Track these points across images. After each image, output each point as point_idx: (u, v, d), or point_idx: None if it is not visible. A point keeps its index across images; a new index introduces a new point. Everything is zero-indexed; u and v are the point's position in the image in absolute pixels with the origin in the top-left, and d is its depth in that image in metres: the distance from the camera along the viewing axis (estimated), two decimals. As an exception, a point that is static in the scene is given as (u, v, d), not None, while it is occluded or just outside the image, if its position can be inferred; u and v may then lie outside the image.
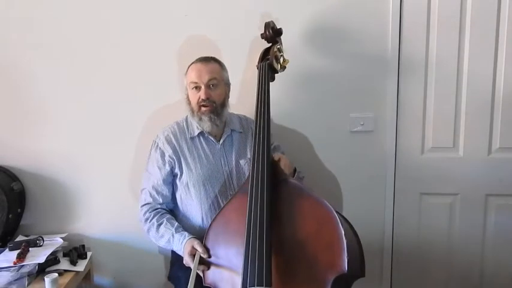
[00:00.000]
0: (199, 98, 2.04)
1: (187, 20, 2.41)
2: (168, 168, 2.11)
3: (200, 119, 2.06)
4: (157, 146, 2.14)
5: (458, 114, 2.45)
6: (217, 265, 1.85)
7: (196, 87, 2.05)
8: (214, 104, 2.05)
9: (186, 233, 2.00)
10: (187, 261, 1.92)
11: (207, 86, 2.03)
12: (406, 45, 2.40)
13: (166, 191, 2.13)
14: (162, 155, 2.12)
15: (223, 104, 2.10)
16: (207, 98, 2.03)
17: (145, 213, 2.12)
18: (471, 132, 2.44)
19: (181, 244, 1.96)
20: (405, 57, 2.41)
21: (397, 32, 2.38)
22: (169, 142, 2.12)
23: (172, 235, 2.01)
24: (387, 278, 2.60)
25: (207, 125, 2.07)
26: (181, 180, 2.12)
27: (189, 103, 2.10)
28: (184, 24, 2.42)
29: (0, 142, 2.54)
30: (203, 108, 2.04)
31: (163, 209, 2.13)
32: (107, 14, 2.43)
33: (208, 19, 2.41)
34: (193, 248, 1.90)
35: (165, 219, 2.07)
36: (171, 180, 2.15)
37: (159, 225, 2.06)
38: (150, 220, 2.09)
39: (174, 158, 2.10)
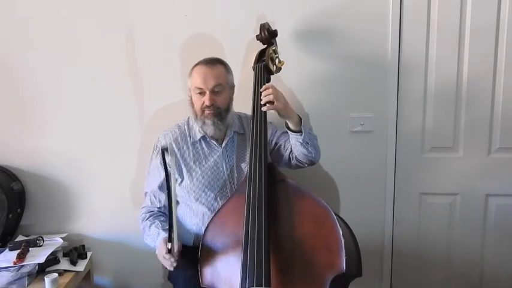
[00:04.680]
0: (204, 103, 2.00)
1: (184, 20, 2.42)
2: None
3: (203, 122, 2.04)
4: (159, 151, 2.12)
5: (458, 114, 2.44)
6: (214, 266, 1.85)
7: (200, 93, 2.01)
8: (218, 109, 2.02)
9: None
10: (159, 256, 1.91)
11: (212, 92, 2.00)
12: (406, 46, 2.40)
13: (164, 196, 2.12)
14: (161, 161, 2.11)
15: (228, 108, 2.07)
16: (212, 104, 2.00)
17: (142, 214, 2.14)
18: (471, 132, 2.44)
19: (157, 238, 1.97)
20: (405, 57, 2.41)
21: (397, 32, 2.38)
22: (169, 144, 2.10)
23: (158, 233, 1.99)
24: (387, 278, 2.60)
25: (210, 129, 2.04)
26: (182, 185, 2.10)
27: (192, 106, 2.07)
28: (181, 24, 2.42)
29: (0, 142, 2.54)
30: (207, 112, 2.01)
31: (160, 212, 2.13)
32: (108, 13, 2.43)
33: (206, 20, 2.41)
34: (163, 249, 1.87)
35: (157, 220, 2.07)
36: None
37: (151, 224, 2.06)
38: (145, 220, 2.10)
39: (175, 164, 2.09)
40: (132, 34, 2.44)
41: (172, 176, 1.79)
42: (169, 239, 1.82)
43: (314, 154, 2.03)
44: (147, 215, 2.11)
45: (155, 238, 2.01)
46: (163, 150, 1.80)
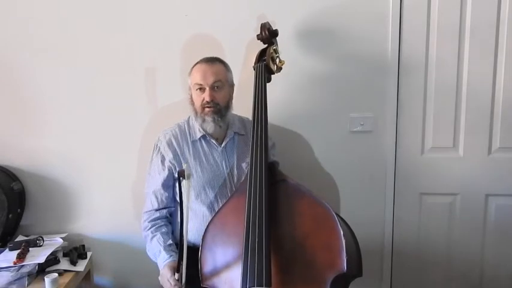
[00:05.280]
0: (204, 99, 2.02)
1: (184, 20, 2.42)
2: (167, 172, 2.10)
3: (203, 120, 2.05)
4: (159, 150, 2.13)
5: (458, 114, 2.44)
6: (215, 266, 1.84)
7: (200, 89, 2.03)
8: (218, 105, 2.03)
9: (173, 254, 1.99)
10: (163, 283, 1.93)
11: (212, 88, 2.01)
12: (406, 46, 2.40)
13: (166, 195, 2.12)
14: (163, 159, 2.12)
15: (227, 106, 2.08)
16: (212, 100, 2.01)
17: (144, 221, 2.13)
18: (471, 132, 2.44)
19: (163, 263, 1.97)
20: (405, 57, 2.41)
21: (397, 32, 2.38)
22: (170, 146, 2.11)
23: (160, 251, 2.01)
24: (387, 278, 2.60)
25: (210, 126, 2.05)
26: (182, 183, 2.10)
27: (193, 104, 2.08)
28: (182, 24, 2.42)
29: (0, 142, 2.54)
30: (207, 109, 2.03)
31: (162, 218, 2.13)
32: (107, 13, 2.43)
33: (206, 20, 2.41)
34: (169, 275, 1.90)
35: (159, 233, 2.07)
36: (172, 183, 2.14)
37: (153, 237, 2.07)
38: (147, 230, 2.11)
39: (175, 162, 2.09)
40: (131, 34, 2.44)
41: (185, 205, 1.81)
42: (178, 269, 1.84)
43: None
44: (149, 224, 2.11)
45: (157, 255, 2.02)
46: (180, 175, 1.82)
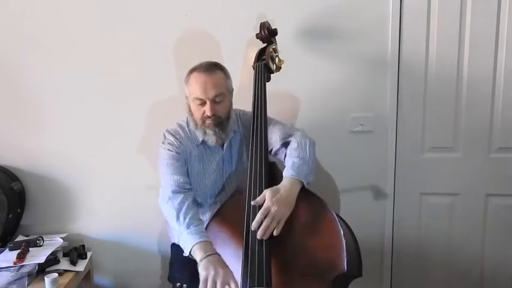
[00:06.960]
0: (204, 113, 1.94)
1: (184, 19, 2.41)
2: (179, 157, 2.01)
3: (204, 132, 1.99)
4: (168, 144, 2.05)
5: (458, 114, 2.44)
6: None
7: (201, 103, 1.94)
8: (219, 118, 1.96)
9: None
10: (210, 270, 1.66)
11: (213, 101, 1.92)
12: (406, 46, 2.40)
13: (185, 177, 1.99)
14: (176, 151, 2.03)
15: (228, 116, 2.01)
16: (213, 114, 1.94)
17: (175, 186, 1.93)
18: (471, 132, 2.44)
19: (197, 238, 1.73)
20: (405, 57, 2.41)
21: (397, 32, 2.38)
22: (177, 140, 2.05)
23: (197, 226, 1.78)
24: (387, 278, 2.60)
25: (212, 139, 1.99)
26: None
27: (191, 114, 2.01)
28: (181, 23, 2.42)
29: (0, 142, 2.54)
30: (207, 122, 1.96)
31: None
32: (108, 13, 2.43)
33: (205, 19, 2.41)
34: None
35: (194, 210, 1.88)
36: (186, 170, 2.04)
37: (189, 211, 1.84)
38: (184, 198, 1.88)
39: (181, 151, 2.04)
40: (131, 34, 2.44)
41: None
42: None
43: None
44: (184, 194, 1.90)
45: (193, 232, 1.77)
46: None
